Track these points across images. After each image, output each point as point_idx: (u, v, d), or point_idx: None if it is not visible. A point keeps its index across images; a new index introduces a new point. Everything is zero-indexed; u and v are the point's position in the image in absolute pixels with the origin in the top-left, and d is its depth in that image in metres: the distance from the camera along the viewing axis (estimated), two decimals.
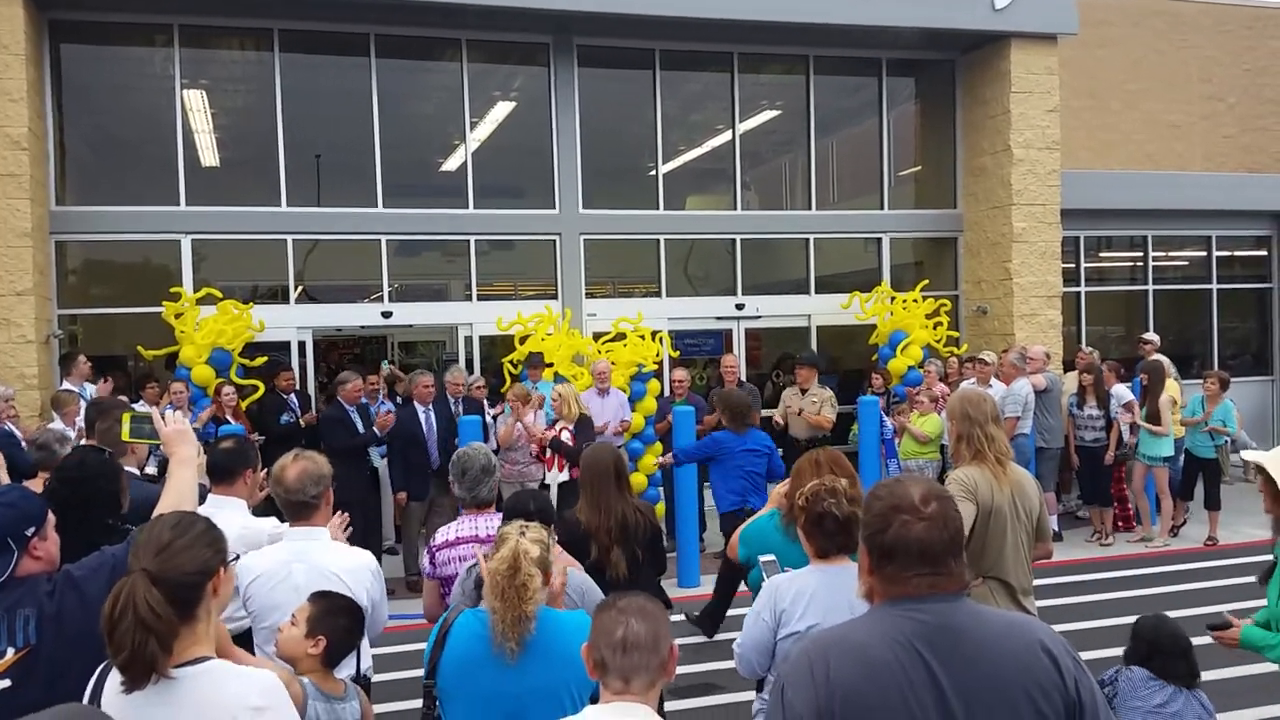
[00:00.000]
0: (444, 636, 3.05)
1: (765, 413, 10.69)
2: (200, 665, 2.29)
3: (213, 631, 2.41)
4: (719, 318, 12.52)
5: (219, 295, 10.00)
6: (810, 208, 12.84)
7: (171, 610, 2.24)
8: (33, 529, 2.79)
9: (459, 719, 3.01)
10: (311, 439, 8.95)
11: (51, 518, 2.92)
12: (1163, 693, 4.02)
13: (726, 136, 12.65)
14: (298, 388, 10.23)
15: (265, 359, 9.97)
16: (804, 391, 10.16)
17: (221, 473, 4.11)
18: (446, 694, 3.02)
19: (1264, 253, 14.98)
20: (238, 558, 2.58)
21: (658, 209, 12.28)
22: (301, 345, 11.05)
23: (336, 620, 3.14)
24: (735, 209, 12.66)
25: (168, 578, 2.27)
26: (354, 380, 9.36)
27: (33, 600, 2.73)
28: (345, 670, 3.35)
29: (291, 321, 11.02)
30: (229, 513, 3.77)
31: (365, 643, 3.60)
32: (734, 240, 12.56)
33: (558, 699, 2.84)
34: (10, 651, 2.69)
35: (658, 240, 12.27)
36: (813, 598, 3.44)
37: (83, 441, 5.07)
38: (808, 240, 12.77)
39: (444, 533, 4.17)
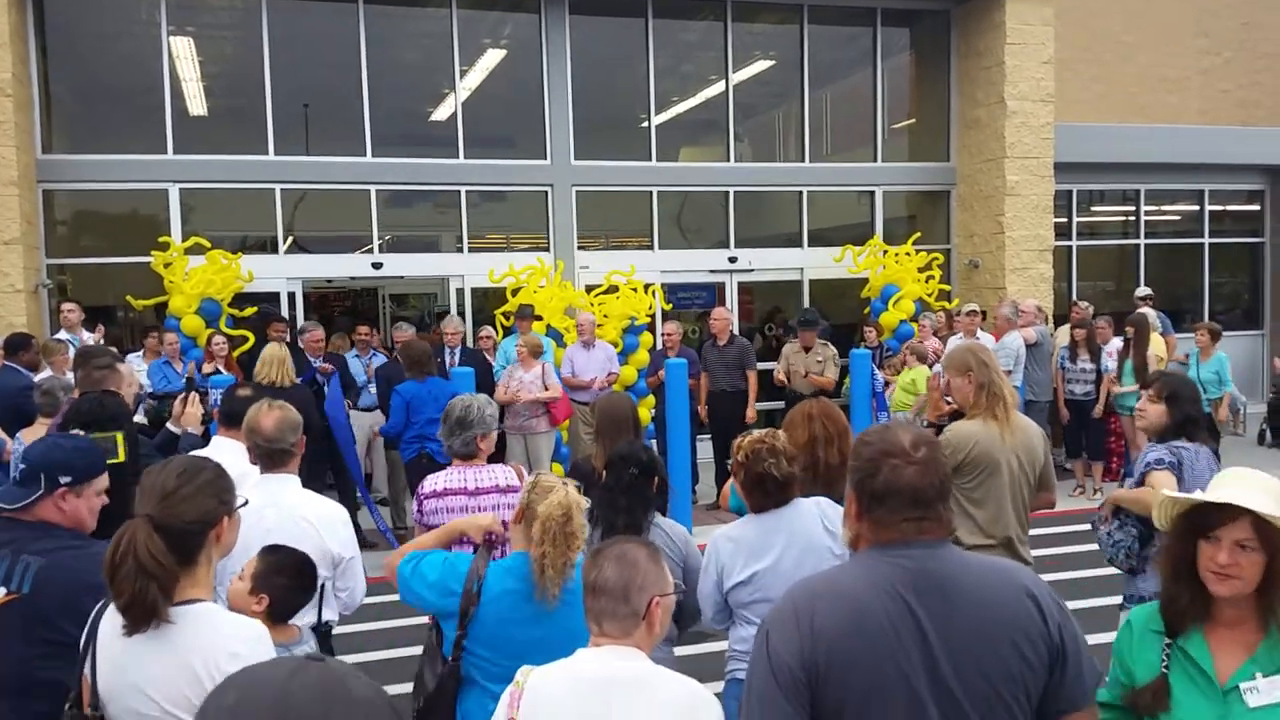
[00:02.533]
0: (476, 588, 3.01)
1: (764, 366, 10.69)
2: (191, 607, 2.28)
3: (211, 576, 2.40)
4: (711, 271, 12.48)
5: (207, 245, 9.93)
6: (804, 160, 12.76)
7: (172, 557, 2.23)
8: (69, 479, 2.79)
9: (486, 663, 3.00)
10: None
11: (103, 482, 2.90)
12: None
13: (720, 87, 12.52)
14: (289, 339, 10.16)
15: (256, 309, 9.90)
16: (807, 350, 10.13)
17: (240, 419, 4.03)
18: (477, 642, 3.00)
19: (1256, 207, 14.97)
20: (245, 503, 2.55)
21: (650, 161, 12.19)
22: (291, 296, 11.00)
23: (278, 579, 3.07)
24: (728, 161, 12.58)
25: (170, 525, 2.26)
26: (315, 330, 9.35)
27: (46, 551, 2.71)
28: (305, 618, 3.32)
29: (281, 272, 10.94)
30: (228, 456, 3.75)
31: (330, 594, 3.57)
32: (727, 193, 12.48)
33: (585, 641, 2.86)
34: (2, 591, 2.68)
35: (650, 192, 12.19)
36: (750, 548, 3.53)
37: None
38: (801, 193, 12.70)
39: (432, 482, 4.14)
